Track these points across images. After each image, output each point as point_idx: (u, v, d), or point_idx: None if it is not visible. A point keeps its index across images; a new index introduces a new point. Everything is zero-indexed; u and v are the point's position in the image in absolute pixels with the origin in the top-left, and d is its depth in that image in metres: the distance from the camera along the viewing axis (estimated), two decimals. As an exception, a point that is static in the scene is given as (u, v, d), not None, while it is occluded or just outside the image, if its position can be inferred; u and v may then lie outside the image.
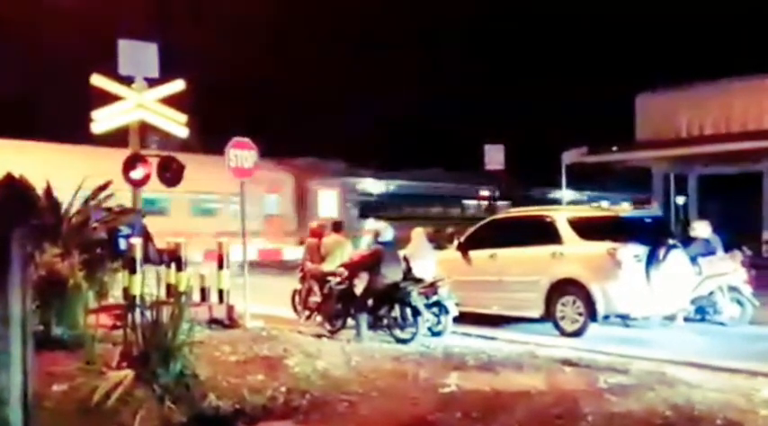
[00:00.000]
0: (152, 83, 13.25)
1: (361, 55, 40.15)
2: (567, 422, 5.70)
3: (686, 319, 11.51)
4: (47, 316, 8.30)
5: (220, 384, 6.50)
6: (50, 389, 5.95)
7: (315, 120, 37.73)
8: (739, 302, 11.51)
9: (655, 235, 11.35)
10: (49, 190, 9.51)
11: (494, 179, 31.68)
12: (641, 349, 9.63)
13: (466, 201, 34.11)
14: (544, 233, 11.52)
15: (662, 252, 10.81)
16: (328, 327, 11.01)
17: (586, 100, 39.13)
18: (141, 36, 13.52)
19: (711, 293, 11.53)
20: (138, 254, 10.11)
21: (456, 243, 12.99)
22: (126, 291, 10.06)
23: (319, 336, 10.21)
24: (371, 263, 10.55)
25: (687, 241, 11.96)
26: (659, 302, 10.82)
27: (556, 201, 27.68)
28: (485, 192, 33.47)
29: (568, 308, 10.92)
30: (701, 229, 12.18)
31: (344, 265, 11.19)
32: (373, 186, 30.33)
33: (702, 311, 11.68)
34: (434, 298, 10.49)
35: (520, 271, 11.62)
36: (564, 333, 10.82)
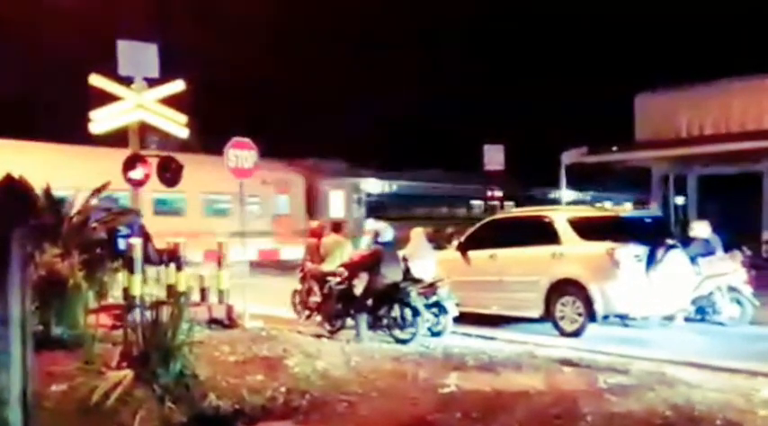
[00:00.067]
0: (152, 83, 13.25)
1: (360, 55, 40.18)
2: (566, 422, 5.70)
3: (686, 319, 11.51)
4: (46, 316, 8.30)
5: (220, 384, 6.50)
6: (50, 389, 5.96)
7: (315, 120, 37.74)
8: (739, 302, 11.51)
9: (654, 236, 11.36)
10: (48, 191, 9.52)
11: (493, 179, 31.67)
12: (641, 349, 9.63)
13: (472, 201, 34.12)
14: (544, 233, 11.52)
15: (661, 252, 10.81)
16: (328, 327, 11.01)
17: (586, 100, 39.14)
18: (141, 36, 13.51)
19: (711, 293, 11.53)
20: (138, 254, 10.12)
21: (455, 243, 12.99)
22: (126, 291, 10.06)
23: (319, 336, 10.21)
24: (371, 263, 10.55)
25: (687, 241, 11.96)
26: (659, 302, 10.83)
27: (559, 201, 27.68)
28: (490, 193, 33.52)
29: (568, 308, 10.93)
30: (701, 229, 12.19)
31: (344, 265, 11.19)
32: (381, 186, 30.46)
33: (702, 311, 11.69)
34: (434, 299, 10.50)
35: (519, 272, 11.63)
36: (563, 333, 10.83)
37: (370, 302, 10.43)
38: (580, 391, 6.58)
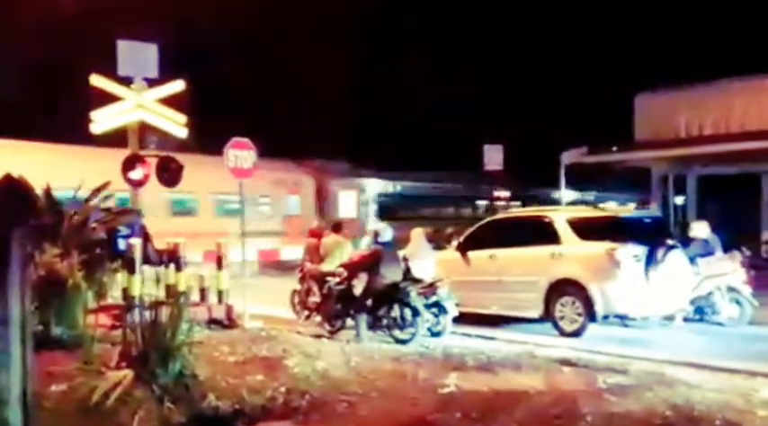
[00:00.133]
0: (151, 83, 13.25)
1: (360, 55, 40.11)
2: (565, 422, 5.70)
3: (685, 319, 11.51)
4: (46, 316, 8.30)
5: (219, 384, 6.50)
6: (50, 389, 5.96)
7: (315, 120, 37.67)
8: (738, 302, 11.52)
9: (654, 236, 11.37)
10: (48, 191, 9.51)
11: (495, 180, 31.75)
12: (640, 349, 9.64)
13: (478, 202, 34.15)
14: (543, 233, 11.53)
15: (661, 252, 10.82)
16: (327, 327, 11.01)
17: (586, 100, 39.08)
18: (141, 36, 13.51)
19: (710, 293, 11.54)
20: (138, 255, 10.12)
21: (455, 243, 13.00)
22: (125, 291, 10.07)
23: (318, 336, 10.21)
24: (371, 264, 10.56)
25: (686, 241, 11.97)
26: (658, 302, 10.83)
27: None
28: (496, 193, 33.64)
29: (567, 308, 10.93)
30: (700, 230, 12.19)
31: (344, 265, 11.20)
32: (389, 187, 30.63)
33: (701, 311, 11.69)
34: (434, 299, 10.50)
35: (519, 272, 11.63)
36: (563, 334, 10.83)
37: (369, 302, 10.43)
38: (579, 391, 6.58)
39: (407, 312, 10.20)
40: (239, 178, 12.25)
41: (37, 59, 29.58)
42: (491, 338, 10.52)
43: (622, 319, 11.19)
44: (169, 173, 13.37)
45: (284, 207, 25.65)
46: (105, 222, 10.16)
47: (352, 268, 10.86)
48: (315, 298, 12.03)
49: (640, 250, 10.77)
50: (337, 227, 13.06)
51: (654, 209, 18.22)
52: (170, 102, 13.48)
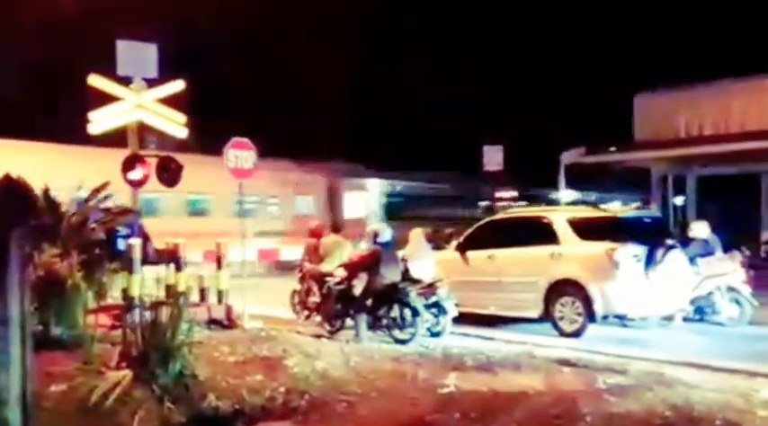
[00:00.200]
0: (151, 83, 13.24)
1: (360, 55, 40.08)
2: (565, 423, 5.70)
3: (685, 319, 11.52)
4: (46, 317, 8.30)
5: (219, 384, 6.50)
6: (49, 389, 5.95)
7: (315, 120, 37.65)
8: (738, 302, 11.52)
9: (653, 236, 11.37)
10: (47, 191, 9.51)
11: (496, 180, 31.84)
12: (640, 349, 9.64)
13: (484, 203, 34.25)
14: (543, 233, 11.53)
15: (660, 252, 10.82)
16: (327, 328, 11.02)
17: (585, 100, 39.06)
18: (140, 36, 13.50)
19: (710, 293, 11.54)
20: (137, 255, 10.12)
21: (455, 243, 13.00)
22: (125, 292, 10.07)
23: (318, 337, 10.21)
24: (370, 264, 10.55)
25: (686, 241, 11.98)
26: (658, 302, 10.84)
27: (561, 202, 27.79)
28: (502, 194, 33.83)
29: (567, 309, 10.93)
30: (700, 230, 12.20)
31: (343, 265, 11.19)
32: (397, 188, 30.85)
33: (701, 311, 11.70)
34: (433, 299, 10.50)
35: (518, 272, 11.63)
36: (562, 334, 10.83)
37: (369, 302, 10.43)
38: (579, 391, 6.58)
39: (407, 312, 10.20)
40: (239, 178, 12.25)
41: (37, 59, 29.56)
42: (490, 338, 10.53)
43: (622, 319, 11.19)
44: (169, 173, 13.36)
45: (296, 207, 25.94)
46: (105, 222, 10.16)
47: (352, 268, 10.86)
48: (314, 298, 12.04)
49: (640, 250, 10.78)
50: (337, 227, 13.06)
51: (653, 209, 18.23)
52: (170, 101, 13.47)
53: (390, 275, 10.51)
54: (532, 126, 38.61)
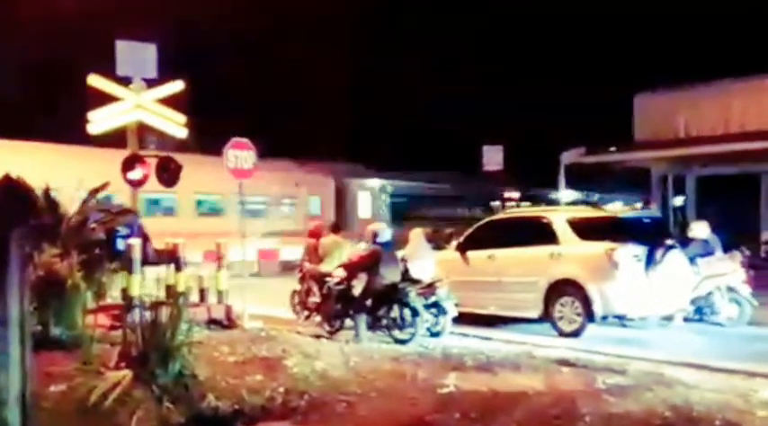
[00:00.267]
0: (151, 83, 13.24)
1: (360, 55, 40.08)
2: (565, 423, 5.70)
3: (684, 319, 11.52)
4: (45, 317, 8.30)
5: (219, 384, 6.50)
6: (48, 389, 5.95)
7: (315, 120, 37.66)
8: (737, 302, 11.52)
9: (653, 236, 11.37)
10: (47, 191, 9.51)
11: (496, 180, 31.99)
12: (639, 349, 9.64)
13: (491, 203, 34.39)
14: (542, 233, 11.53)
15: (660, 252, 10.82)
16: (327, 328, 11.01)
17: (585, 100, 39.08)
18: (140, 36, 13.51)
19: (710, 293, 11.54)
20: (137, 255, 10.12)
21: (454, 243, 13.00)
22: (124, 292, 10.07)
23: (318, 337, 10.21)
24: (370, 264, 10.55)
25: (685, 241, 11.98)
26: (657, 302, 10.84)
27: (559, 202, 27.83)
28: (509, 194, 34.03)
29: (567, 309, 10.93)
30: (700, 230, 12.20)
31: (343, 266, 11.19)
32: (404, 188, 31.12)
33: (701, 311, 11.70)
34: (433, 299, 10.50)
35: (518, 272, 11.63)
36: (562, 334, 10.83)
37: (369, 302, 10.43)
38: (578, 391, 6.58)
39: (407, 312, 10.20)
40: (239, 178, 12.25)
41: (37, 59, 29.57)
42: (490, 338, 10.53)
43: (621, 319, 11.19)
44: (168, 173, 13.37)
45: (308, 207, 26.19)
46: (104, 222, 10.16)
47: (352, 268, 10.86)
48: (314, 299, 12.04)
49: (640, 250, 10.78)
50: (336, 228, 13.06)
51: (653, 209, 18.23)
52: (169, 102, 13.47)
53: (390, 275, 10.51)
54: (532, 126, 38.64)
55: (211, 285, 11.71)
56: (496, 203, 32.72)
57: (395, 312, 10.30)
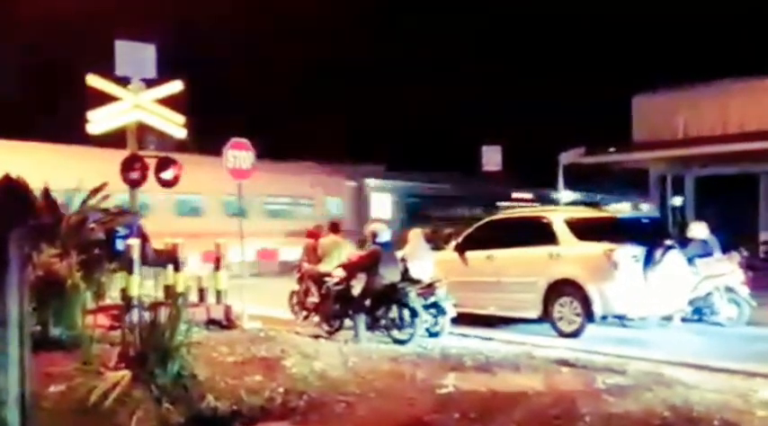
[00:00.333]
0: (150, 83, 13.22)
1: (360, 55, 40.10)
2: (564, 423, 5.70)
3: (683, 320, 11.53)
4: (44, 317, 8.30)
5: (218, 384, 6.51)
6: (48, 390, 5.95)
7: (315, 121, 37.68)
8: (736, 303, 11.53)
9: (652, 236, 11.38)
10: (46, 191, 9.50)
11: (495, 180, 32.07)
12: (639, 349, 9.64)
13: (501, 203, 34.53)
14: (541, 234, 11.53)
15: (659, 253, 10.83)
16: (326, 328, 11.02)
17: (584, 100, 39.11)
18: (139, 36, 13.49)
19: (709, 294, 11.55)
20: (136, 255, 10.11)
21: (453, 243, 13.00)
22: (124, 292, 10.06)
23: (317, 337, 10.21)
24: (369, 264, 10.55)
25: (684, 242, 11.98)
26: (656, 303, 10.84)
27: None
28: (520, 195, 34.18)
29: (566, 309, 10.94)
30: (699, 230, 12.21)
31: (342, 266, 11.19)
32: (418, 189, 31.37)
33: (699, 312, 11.70)
34: (432, 299, 10.50)
35: (517, 272, 11.63)
36: (561, 334, 10.83)
37: (368, 303, 10.43)
38: (578, 391, 6.59)
39: (406, 312, 10.20)
40: (238, 179, 12.24)
41: (37, 59, 29.58)
42: (489, 338, 10.52)
43: (621, 319, 11.20)
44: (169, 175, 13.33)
45: (327, 209, 26.52)
46: (104, 222, 10.15)
47: (351, 268, 10.86)
48: (313, 299, 12.03)
49: (638, 250, 10.78)
50: (335, 228, 13.06)
51: (652, 210, 18.25)
52: (169, 102, 13.45)
53: (389, 275, 10.51)
54: (531, 126, 38.65)
55: (210, 285, 11.71)
56: (506, 204, 32.79)
57: (394, 312, 10.30)
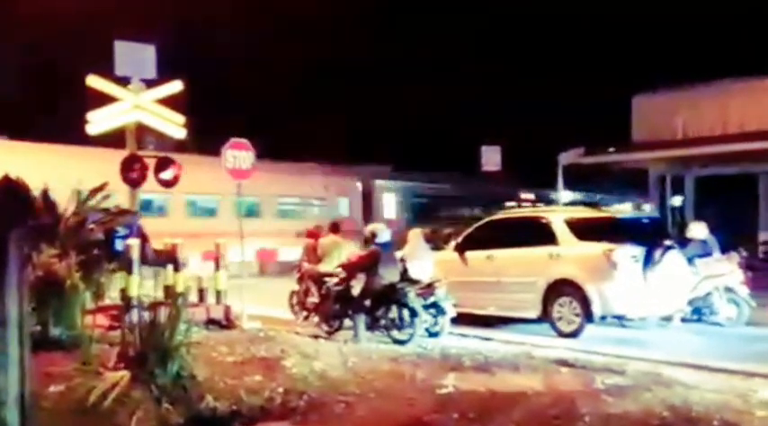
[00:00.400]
0: (149, 83, 13.23)
1: (360, 55, 40.14)
2: (563, 423, 5.71)
3: (683, 320, 11.53)
4: (44, 317, 8.30)
5: (218, 385, 6.51)
6: (48, 390, 5.95)
7: (315, 121, 37.71)
8: (736, 303, 11.53)
9: (651, 237, 11.38)
10: (46, 192, 9.49)
11: (495, 180, 32.13)
12: (638, 349, 9.64)
13: (508, 203, 34.60)
14: (541, 234, 11.53)
15: (658, 253, 10.83)
16: (325, 328, 11.02)
17: (583, 101, 39.16)
18: (139, 37, 13.50)
19: (708, 294, 11.55)
20: (135, 255, 10.11)
21: (453, 243, 13.00)
22: (123, 292, 10.06)
23: (316, 337, 10.21)
24: (369, 264, 10.55)
25: (684, 242, 11.98)
26: (656, 303, 10.84)
27: (578, 203, 27.96)
28: (525, 195, 34.26)
29: (565, 309, 10.94)
30: (698, 230, 12.21)
31: (342, 266, 11.20)
32: (425, 189, 31.50)
33: (699, 312, 11.70)
34: (432, 299, 10.50)
35: (517, 272, 11.63)
36: (561, 334, 10.83)
37: (367, 303, 10.43)
38: (577, 392, 6.59)
39: (405, 312, 10.20)
40: (237, 179, 12.24)
41: (37, 59, 29.58)
42: (488, 339, 10.52)
43: (620, 320, 11.20)
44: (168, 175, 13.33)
45: (337, 208, 26.82)
46: (103, 223, 10.15)
47: (351, 268, 10.86)
48: (313, 299, 12.03)
49: (638, 251, 10.78)
50: (335, 228, 13.06)
51: (651, 210, 18.26)
52: (169, 102, 13.46)
53: (389, 275, 10.51)
54: (531, 126, 38.68)
55: (210, 285, 11.71)
56: (513, 204, 32.87)
57: (393, 312, 10.30)
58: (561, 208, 15.00)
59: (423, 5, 47.79)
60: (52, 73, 28.96)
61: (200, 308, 11.05)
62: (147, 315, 6.54)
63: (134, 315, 8.20)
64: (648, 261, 10.74)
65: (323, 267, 11.96)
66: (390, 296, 10.34)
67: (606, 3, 42.67)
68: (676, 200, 25.29)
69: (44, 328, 8.28)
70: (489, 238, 12.26)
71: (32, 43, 28.74)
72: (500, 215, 14.38)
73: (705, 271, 11.60)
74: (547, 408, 6.06)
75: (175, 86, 13.35)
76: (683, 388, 6.70)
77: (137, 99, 13.02)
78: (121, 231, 10.44)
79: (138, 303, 9.56)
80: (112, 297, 10.20)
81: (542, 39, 48.44)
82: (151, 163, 13.18)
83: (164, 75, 13.43)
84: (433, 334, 10.47)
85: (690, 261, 11.52)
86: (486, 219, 13.47)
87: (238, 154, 12.05)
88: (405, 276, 10.73)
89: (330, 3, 37.62)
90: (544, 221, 11.76)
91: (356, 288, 10.58)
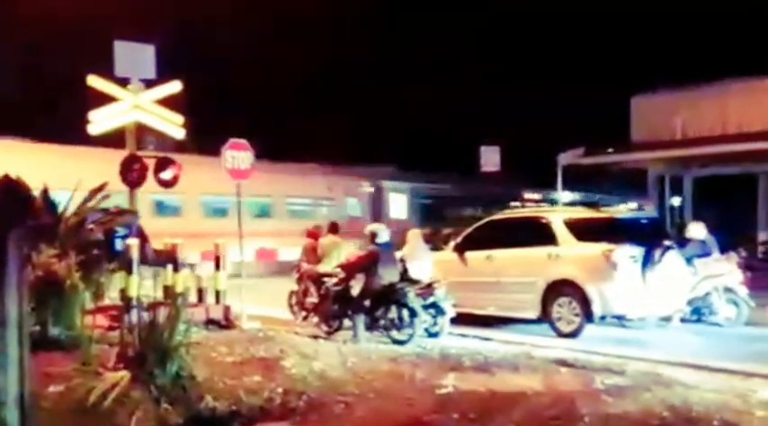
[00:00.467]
0: (149, 84, 13.24)
1: (360, 55, 40.11)
2: (563, 423, 5.71)
3: (682, 320, 11.53)
4: (44, 317, 8.29)
5: (217, 385, 6.50)
6: (47, 390, 5.95)
7: (315, 121, 37.69)
8: (735, 303, 11.54)
9: (650, 237, 11.38)
10: (45, 192, 9.49)
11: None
12: (637, 350, 9.65)
13: (513, 203, 34.65)
14: (540, 234, 11.53)
15: (658, 253, 10.84)
16: (325, 328, 11.02)
17: (583, 101, 39.14)
18: (139, 37, 13.50)
19: (707, 294, 11.56)
20: (135, 255, 10.11)
21: (452, 244, 13.00)
22: (123, 292, 10.06)
23: (316, 337, 10.20)
24: (368, 264, 10.56)
25: (683, 242, 11.99)
26: (655, 303, 10.85)
27: (577, 203, 27.98)
28: (529, 195, 34.31)
29: (565, 309, 10.94)
30: (697, 231, 12.21)
31: (341, 266, 11.20)
32: (430, 190, 31.59)
33: (698, 312, 11.71)
34: (431, 299, 10.50)
35: (516, 272, 11.64)
36: (560, 334, 10.84)
37: (367, 303, 10.43)
38: (577, 392, 6.59)
39: (405, 313, 10.20)
40: (237, 179, 12.23)
41: (37, 59, 29.57)
42: (488, 339, 10.53)
43: (619, 320, 11.21)
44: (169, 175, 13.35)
45: (345, 209, 27.05)
46: (103, 223, 10.14)
47: (350, 268, 10.86)
48: (312, 299, 12.03)
49: (637, 251, 10.79)
50: (334, 228, 13.06)
51: (650, 210, 18.26)
52: (168, 102, 13.47)
53: (388, 276, 10.51)
54: (531, 126, 38.66)
55: (209, 285, 11.71)
56: (518, 204, 32.89)
57: (393, 312, 10.30)
58: (560, 209, 15.01)
59: (423, 5, 47.77)
60: (52, 73, 28.94)
61: (200, 308, 11.05)
62: (146, 316, 6.53)
63: (133, 316, 8.20)
64: (648, 261, 10.74)
65: (322, 267, 11.97)
66: (390, 296, 10.34)
67: (606, 3, 42.67)
68: (675, 201, 25.32)
69: (43, 328, 8.28)
70: (489, 238, 12.26)
71: (32, 43, 28.73)
72: (499, 215, 14.38)
73: (704, 272, 11.60)
74: (546, 408, 6.06)
75: (175, 86, 13.36)
76: (682, 388, 6.70)
77: (136, 99, 13.04)
78: (121, 231, 10.44)
79: (137, 303, 9.55)
80: (112, 297, 10.20)
81: (542, 40, 48.42)
82: (151, 163, 13.19)
83: (163, 76, 13.44)
84: (432, 334, 10.47)
85: (689, 261, 11.53)
86: (486, 219, 13.48)
87: (237, 154, 12.04)
88: (404, 276, 10.73)
89: (330, 3, 37.62)
90: (543, 221, 11.76)
91: (355, 288, 10.58)
